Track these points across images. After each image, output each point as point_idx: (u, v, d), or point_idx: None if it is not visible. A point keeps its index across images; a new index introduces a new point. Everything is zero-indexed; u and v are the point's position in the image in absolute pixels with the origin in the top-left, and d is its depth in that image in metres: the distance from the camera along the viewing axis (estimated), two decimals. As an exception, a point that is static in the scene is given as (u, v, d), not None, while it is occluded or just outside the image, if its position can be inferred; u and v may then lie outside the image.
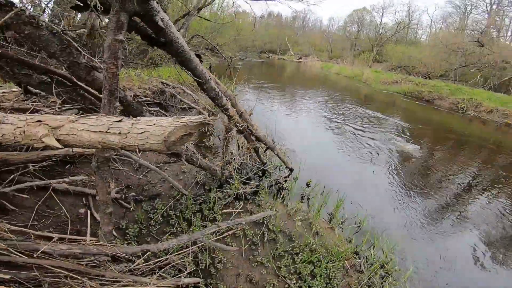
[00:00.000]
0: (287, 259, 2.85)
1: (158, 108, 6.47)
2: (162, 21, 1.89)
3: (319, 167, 5.55)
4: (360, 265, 3.06)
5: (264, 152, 4.83)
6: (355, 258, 3.17)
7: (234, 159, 4.26)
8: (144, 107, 4.99)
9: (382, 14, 38.56)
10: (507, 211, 5.03)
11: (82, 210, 2.66)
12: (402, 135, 9.13)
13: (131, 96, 5.19)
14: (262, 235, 3.10)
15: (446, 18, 32.96)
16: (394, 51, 30.43)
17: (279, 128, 7.49)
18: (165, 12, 2.02)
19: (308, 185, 4.79)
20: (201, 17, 11.18)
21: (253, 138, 4.12)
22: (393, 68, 28.38)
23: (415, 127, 10.42)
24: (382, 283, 2.92)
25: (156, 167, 3.79)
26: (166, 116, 6.36)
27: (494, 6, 26.25)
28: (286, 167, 4.91)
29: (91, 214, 2.64)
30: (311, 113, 10.50)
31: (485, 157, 8.24)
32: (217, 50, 14.48)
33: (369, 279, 2.88)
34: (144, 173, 3.75)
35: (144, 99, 6.72)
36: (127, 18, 1.78)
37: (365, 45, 37.43)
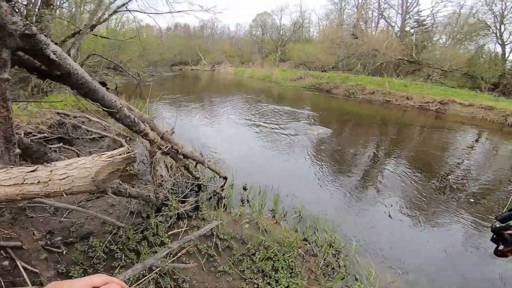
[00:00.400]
0: (247, 261, 2.94)
1: (61, 144, 5.60)
2: (54, 54, 1.73)
3: (250, 169, 5.83)
4: (312, 249, 3.36)
5: (195, 167, 4.80)
6: (306, 244, 3.46)
7: (166, 180, 4.10)
8: (45, 147, 4.31)
9: (281, 16, 41.97)
10: (408, 171, 6.33)
11: (6, 263, 2.40)
12: (313, 123, 10.44)
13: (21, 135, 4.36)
14: (215, 246, 3.12)
15: (328, 15, 36.94)
16: (294, 50, 33.54)
17: (204, 140, 7.52)
18: (46, 35, 1.80)
19: (244, 188, 4.98)
20: (96, 35, 10.10)
21: (180, 156, 4.05)
22: (296, 65, 31.36)
23: (320, 115, 12.06)
24: (336, 260, 3.28)
25: (78, 206, 3.38)
26: (72, 150, 5.56)
27: (360, 0, 30.51)
28: (220, 177, 4.98)
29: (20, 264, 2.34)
30: (232, 118, 10.83)
31: (378, 131, 10.24)
32: (122, 68, 13.36)
33: (324, 260, 3.20)
34: (64, 215, 3.31)
35: (39, 136, 5.72)
36: (10, 54, 1.58)
37: (270, 47, 40.04)
